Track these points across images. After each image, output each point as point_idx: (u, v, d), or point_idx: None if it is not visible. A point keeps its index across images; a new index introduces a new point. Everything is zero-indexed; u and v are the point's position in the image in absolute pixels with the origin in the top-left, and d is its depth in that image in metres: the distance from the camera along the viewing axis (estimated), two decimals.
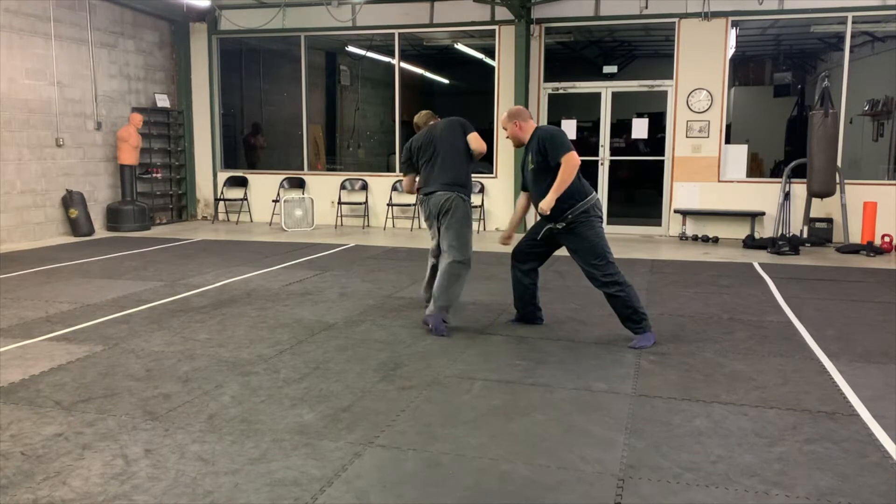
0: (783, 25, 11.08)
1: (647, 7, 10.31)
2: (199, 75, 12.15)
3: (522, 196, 5.17)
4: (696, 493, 2.76)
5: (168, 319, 5.38)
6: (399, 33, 11.55)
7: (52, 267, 7.58)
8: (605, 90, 10.75)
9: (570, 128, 10.94)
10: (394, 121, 11.81)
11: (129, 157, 10.75)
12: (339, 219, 11.63)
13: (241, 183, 12.06)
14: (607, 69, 11.55)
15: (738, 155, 10.43)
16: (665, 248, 9.46)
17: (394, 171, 12.01)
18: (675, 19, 10.28)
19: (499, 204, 11.12)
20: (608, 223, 10.84)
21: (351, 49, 13.95)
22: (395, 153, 12.04)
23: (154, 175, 11.52)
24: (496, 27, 10.99)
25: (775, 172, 11.71)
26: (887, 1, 9.61)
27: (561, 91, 11.03)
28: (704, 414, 3.57)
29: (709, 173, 10.37)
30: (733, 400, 3.76)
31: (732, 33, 10.44)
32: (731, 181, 10.34)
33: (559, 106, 11.18)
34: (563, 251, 4.93)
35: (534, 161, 4.77)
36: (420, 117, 5.50)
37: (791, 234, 9.57)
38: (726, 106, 10.45)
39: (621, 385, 3.98)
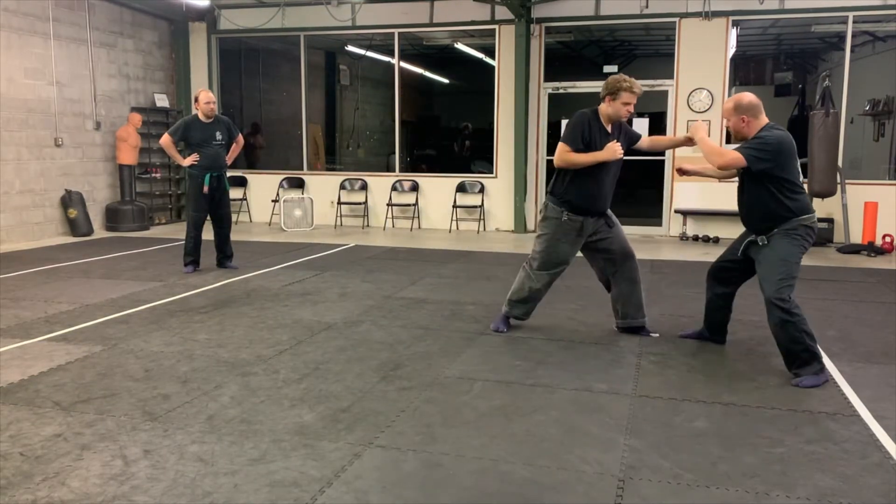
0: (784, 25, 11.07)
1: (647, 6, 10.30)
2: (198, 75, 12.14)
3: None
4: (697, 494, 2.75)
5: (167, 320, 5.37)
6: (399, 33, 11.54)
7: (51, 267, 7.57)
8: None
9: None
10: (394, 121, 11.80)
11: (128, 156, 10.74)
12: (338, 219, 11.62)
13: (241, 183, 12.04)
14: (607, 69, 11.53)
15: None
16: (666, 248, 9.45)
17: (394, 170, 12.00)
18: (676, 19, 10.27)
19: (499, 204, 11.09)
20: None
21: (350, 49, 13.94)
22: (394, 153, 12.04)
23: (153, 175, 11.51)
24: (496, 26, 10.98)
25: None
26: (888, 1, 9.60)
27: (561, 91, 11.02)
28: (705, 414, 3.56)
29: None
30: (734, 400, 3.75)
31: (733, 33, 10.43)
32: (732, 181, 10.29)
33: (559, 105, 11.16)
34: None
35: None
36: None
37: None
38: None
39: (622, 385, 3.97)
